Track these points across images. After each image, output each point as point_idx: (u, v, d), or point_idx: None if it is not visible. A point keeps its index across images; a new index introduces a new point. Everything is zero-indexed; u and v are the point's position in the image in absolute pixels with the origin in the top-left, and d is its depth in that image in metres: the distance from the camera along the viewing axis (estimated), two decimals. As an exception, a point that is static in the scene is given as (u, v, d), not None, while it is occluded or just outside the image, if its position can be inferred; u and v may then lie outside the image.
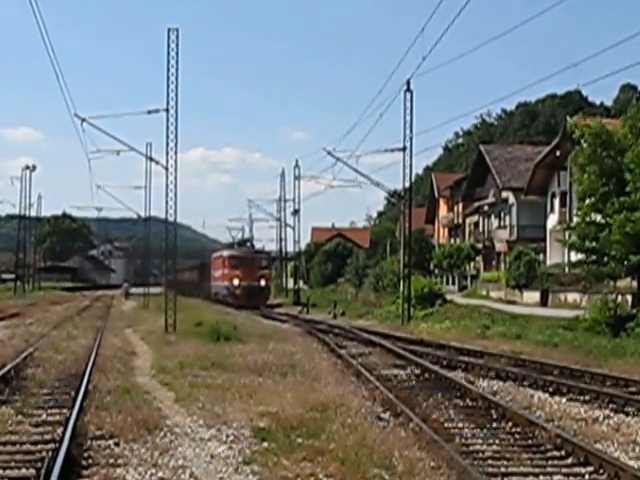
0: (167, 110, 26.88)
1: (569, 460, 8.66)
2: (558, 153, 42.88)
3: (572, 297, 33.56)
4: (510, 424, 10.46)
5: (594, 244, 26.19)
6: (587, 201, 26.86)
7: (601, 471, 8.09)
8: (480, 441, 9.62)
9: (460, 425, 10.58)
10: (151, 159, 33.92)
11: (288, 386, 13.15)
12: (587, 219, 26.82)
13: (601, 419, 11.17)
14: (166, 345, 21.35)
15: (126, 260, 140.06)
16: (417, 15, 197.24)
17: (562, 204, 44.82)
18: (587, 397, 12.86)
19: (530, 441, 9.53)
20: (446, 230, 71.28)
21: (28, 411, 11.04)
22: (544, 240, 47.38)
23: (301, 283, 68.95)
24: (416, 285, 37.30)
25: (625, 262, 24.84)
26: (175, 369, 15.86)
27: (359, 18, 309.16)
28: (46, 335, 23.67)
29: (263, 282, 53.15)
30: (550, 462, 8.63)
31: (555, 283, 36.67)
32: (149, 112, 28.32)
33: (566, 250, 36.61)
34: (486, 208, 59.46)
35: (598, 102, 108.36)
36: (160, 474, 7.91)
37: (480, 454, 8.89)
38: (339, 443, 8.84)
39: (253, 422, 10.30)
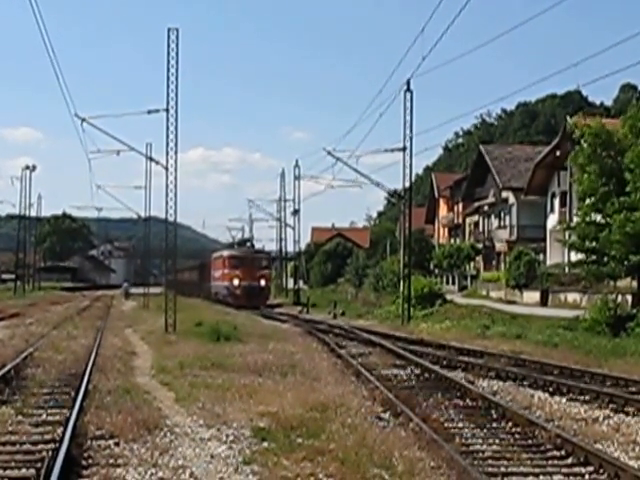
0: (167, 110, 26.89)
1: (569, 460, 8.66)
2: (558, 153, 42.90)
3: (572, 297, 33.57)
4: (510, 424, 10.46)
5: (594, 244, 26.19)
6: (587, 201, 26.86)
7: (601, 471, 8.10)
8: (480, 441, 9.62)
9: (460, 425, 10.58)
10: (151, 159, 33.96)
11: (288, 386, 13.15)
12: (587, 219, 26.82)
13: (601, 419, 11.17)
14: (166, 345, 21.35)
15: (126, 260, 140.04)
16: (417, 15, 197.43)
17: (562, 204, 44.83)
18: (587, 397, 12.86)
19: (530, 441, 9.53)
20: (446, 230, 71.30)
21: (28, 411, 11.04)
22: (544, 240, 47.39)
23: (301, 283, 68.94)
24: (416, 285, 37.30)
25: (625, 262, 24.84)
26: (175, 369, 15.86)
27: (359, 18, 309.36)
28: (46, 335, 23.66)
29: (263, 282, 53.14)
30: (550, 462, 8.63)
31: (555, 283, 36.68)
32: (149, 112, 28.33)
33: (566, 250, 36.63)
34: (486, 208, 59.47)
35: (598, 102, 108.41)
36: (160, 474, 7.91)
37: (480, 454, 8.89)
38: (339, 443, 8.85)
39: (253, 422, 10.30)
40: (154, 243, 58.70)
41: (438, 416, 10.99)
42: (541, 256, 45.10)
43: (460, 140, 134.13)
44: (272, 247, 74.55)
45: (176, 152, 27.13)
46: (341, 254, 73.49)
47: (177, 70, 26.71)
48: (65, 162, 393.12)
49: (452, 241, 65.61)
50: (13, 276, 79.02)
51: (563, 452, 8.90)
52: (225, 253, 56.63)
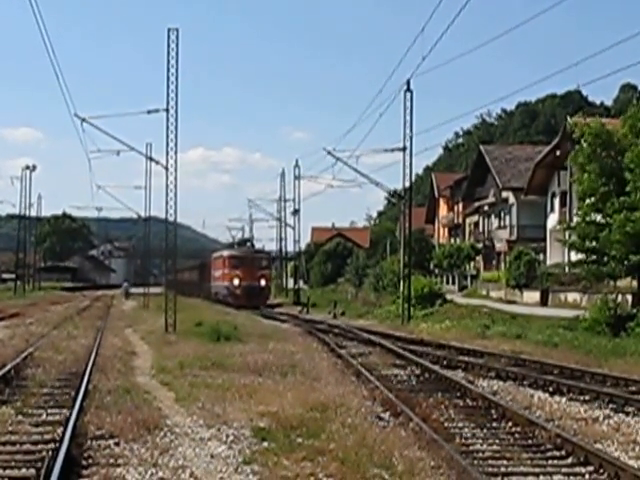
0: (167, 110, 26.88)
1: (569, 460, 8.66)
2: (558, 153, 42.88)
3: (572, 297, 33.56)
4: (510, 424, 10.46)
5: (594, 244, 26.19)
6: (587, 201, 26.85)
7: (601, 471, 8.10)
8: (480, 441, 9.62)
9: (460, 425, 10.58)
10: (151, 159, 33.97)
11: (288, 386, 13.15)
12: (587, 219, 26.82)
13: (601, 419, 11.17)
14: (166, 345, 21.35)
15: (126, 260, 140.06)
16: (417, 15, 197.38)
17: (562, 204, 44.82)
18: (587, 397, 12.86)
19: (530, 441, 9.53)
20: (446, 230, 71.30)
21: (28, 411, 11.04)
22: (544, 240, 47.39)
23: (301, 283, 68.94)
24: (416, 285, 37.30)
25: (625, 262, 24.83)
26: (175, 369, 15.87)
27: (359, 18, 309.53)
28: (46, 335, 23.67)
29: (263, 282, 53.14)
30: (550, 462, 8.63)
31: (555, 283, 36.67)
32: (149, 112, 28.33)
33: (566, 250, 36.61)
34: (486, 208, 59.46)
35: (598, 102, 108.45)
36: (160, 474, 7.91)
37: (480, 454, 8.89)
38: (339, 443, 8.85)
39: (253, 422, 10.30)
40: (154, 243, 58.74)
41: (438, 416, 10.99)
42: (541, 256, 45.09)
43: (460, 140, 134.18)
44: (272, 247, 74.70)
45: (176, 152, 27.18)
46: (341, 254, 73.48)
47: (177, 70, 26.75)
48: (65, 162, 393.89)
49: (452, 241, 65.61)
50: (13, 276, 79.02)
51: (563, 452, 8.90)
52: (225, 253, 56.63)
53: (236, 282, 51.98)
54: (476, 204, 60.91)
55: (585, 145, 26.36)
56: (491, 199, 57.40)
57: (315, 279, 74.51)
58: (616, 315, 23.23)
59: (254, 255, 55.54)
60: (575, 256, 31.41)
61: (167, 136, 26.88)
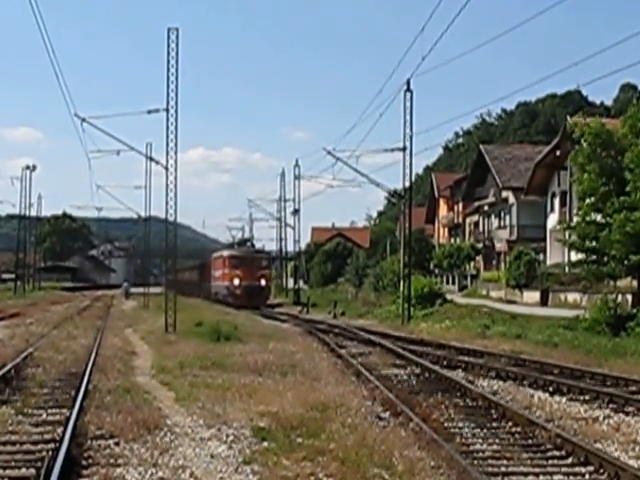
0: (167, 110, 26.89)
1: (569, 460, 8.65)
2: (558, 153, 42.87)
3: (572, 297, 33.55)
4: (510, 424, 10.46)
5: (594, 244, 26.19)
6: (587, 201, 26.85)
7: (601, 471, 8.10)
8: (480, 441, 9.62)
9: (460, 425, 10.58)
10: (151, 159, 33.96)
11: (288, 386, 13.15)
12: (587, 219, 26.82)
13: (601, 419, 11.17)
14: (166, 345, 21.35)
15: (126, 260, 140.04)
16: (417, 15, 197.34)
17: (562, 204, 44.81)
18: (587, 397, 12.87)
19: (530, 441, 9.53)
20: (446, 230, 71.29)
21: (28, 411, 11.04)
22: (544, 240, 47.37)
23: (301, 283, 68.93)
24: (416, 285, 37.30)
25: (625, 262, 24.83)
26: (175, 369, 15.87)
27: (359, 18, 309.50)
28: (46, 335, 23.67)
29: (263, 282, 53.13)
30: (550, 462, 8.63)
31: (555, 283, 36.67)
32: (149, 112, 28.34)
33: (566, 250, 36.61)
34: (486, 208, 59.46)
35: (598, 102, 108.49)
36: (160, 474, 7.91)
37: (480, 454, 8.89)
38: (339, 443, 8.84)
39: (253, 422, 10.30)
40: (154, 243, 58.73)
41: (438, 416, 10.99)
42: (541, 256, 45.08)
43: (460, 140, 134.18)
44: (272, 247, 74.69)
45: (176, 152, 27.18)
46: (341, 254, 73.48)
47: (177, 70, 26.76)
48: (65, 162, 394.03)
49: (452, 241, 65.59)
50: (13, 276, 79.01)
51: (563, 452, 8.90)
52: (225, 253, 56.62)
53: (236, 282, 51.98)
54: (476, 204, 60.91)
55: (585, 145, 26.36)
56: (491, 199, 57.39)
57: (315, 279, 74.51)
58: (616, 315, 23.23)
59: (254, 255, 55.54)
60: (575, 256, 31.41)
61: (167, 136, 26.91)
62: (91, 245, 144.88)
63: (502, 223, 56.84)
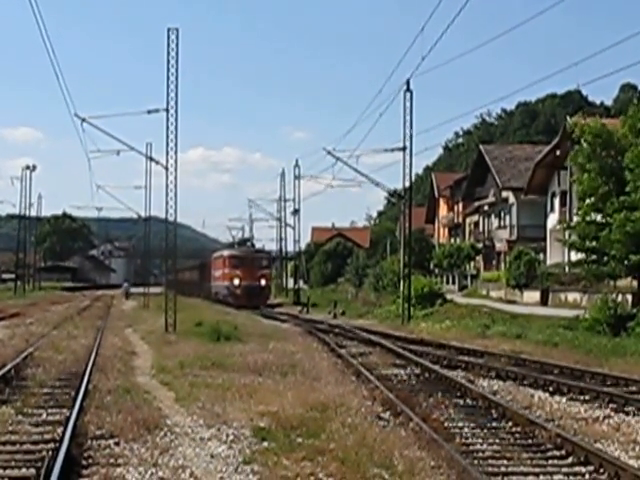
0: (167, 110, 26.89)
1: (569, 460, 8.65)
2: (558, 153, 42.87)
3: (572, 297, 33.54)
4: (510, 424, 10.46)
5: (594, 243, 26.19)
6: (587, 200, 26.86)
7: (601, 470, 8.09)
8: (480, 440, 9.62)
9: (460, 425, 10.58)
10: (151, 159, 33.96)
11: (288, 386, 13.15)
12: (587, 218, 26.83)
13: (601, 418, 11.17)
14: (166, 345, 21.34)
15: (126, 260, 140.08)
16: (417, 15, 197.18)
17: (562, 203, 44.80)
18: (587, 397, 12.86)
19: (530, 441, 9.53)
20: (446, 230, 71.28)
21: (28, 411, 11.04)
22: (544, 240, 47.37)
23: (301, 283, 68.92)
24: (416, 285, 37.30)
25: (625, 261, 24.83)
26: (175, 369, 15.86)
27: (359, 18, 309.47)
28: (46, 335, 23.66)
29: (263, 282, 53.13)
30: (550, 462, 8.63)
31: (555, 283, 36.66)
32: (149, 112, 28.34)
33: (566, 250, 36.61)
34: (486, 208, 59.46)
35: (598, 102, 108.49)
36: (160, 474, 7.90)
37: (480, 453, 8.89)
38: (339, 443, 8.84)
39: (253, 422, 10.30)
40: (154, 243, 58.73)
41: (438, 416, 10.99)
42: (541, 256, 45.06)
43: (460, 140, 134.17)
44: (272, 247, 74.64)
45: (176, 152, 27.18)
46: (341, 254, 73.48)
47: (177, 70, 26.76)
48: (65, 162, 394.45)
49: (452, 241, 65.59)
50: (13, 276, 79.02)
51: (563, 452, 8.90)
52: (225, 253, 56.62)
53: (236, 282, 51.98)
54: (476, 204, 60.91)
55: (585, 145, 26.37)
56: (491, 199, 57.39)
57: (315, 279, 74.51)
58: (616, 315, 23.21)
59: (254, 255, 55.53)
60: (575, 256, 31.42)
61: (167, 136, 26.91)
62: (91, 245, 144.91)
63: (502, 223, 56.84)
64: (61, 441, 8.62)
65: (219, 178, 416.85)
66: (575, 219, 31.40)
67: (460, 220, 66.99)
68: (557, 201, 46.66)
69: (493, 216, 58.98)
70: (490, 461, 8.55)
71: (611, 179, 25.55)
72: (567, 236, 30.39)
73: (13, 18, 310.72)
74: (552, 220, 46.42)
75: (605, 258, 25.83)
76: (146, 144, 36.95)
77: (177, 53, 26.73)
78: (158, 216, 40.41)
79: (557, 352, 19.29)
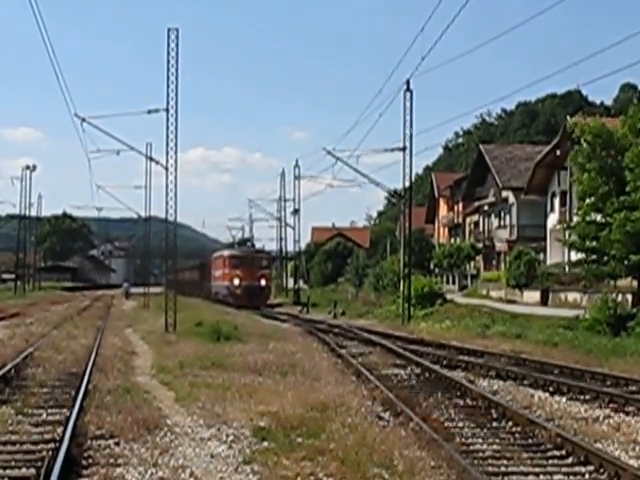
0: (167, 110, 26.89)
1: (569, 459, 8.65)
2: (558, 153, 42.87)
3: (572, 296, 33.54)
4: (510, 423, 10.46)
5: (594, 243, 26.20)
6: (587, 200, 26.86)
7: (601, 470, 8.09)
8: (480, 440, 9.62)
9: (460, 424, 10.58)
10: (151, 159, 33.97)
11: (288, 386, 13.15)
12: (587, 218, 26.83)
13: (601, 418, 11.17)
14: (166, 345, 21.34)
15: (126, 260, 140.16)
16: (417, 15, 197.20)
17: (562, 203, 44.81)
18: (587, 396, 12.86)
19: (530, 440, 9.53)
20: (446, 230, 71.27)
21: (28, 411, 11.03)
22: (544, 239, 47.37)
23: (301, 283, 68.92)
24: (416, 285, 37.30)
25: (625, 261, 24.83)
26: (175, 369, 15.86)
27: (359, 18, 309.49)
28: (46, 335, 23.66)
29: (263, 282, 53.12)
30: (550, 461, 8.63)
31: (555, 282, 36.66)
32: (149, 112, 28.33)
33: (566, 249, 36.60)
34: (486, 208, 59.45)
35: (598, 102, 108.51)
36: (160, 474, 7.90)
37: (480, 453, 8.88)
38: (339, 443, 8.84)
39: (253, 422, 10.29)
40: (154, 243, 58.73)
41: (438, 415, 10.99)
42: (541, 255, 45.08)
43: (460, 140, 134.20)
44: (272, 247, 74.64)
45: (176, 152, 27.19)
46: (341, 254, 73.47)
47: (177, 70, 26.77)
48: (65, 162, 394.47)
49: (452, 241, 65.57)
50: (13, 276, 79.02)
51: (563, 452, 8.90)
52: (225, 253, 56.62)
53: (236, 282, 51.97)
54: (476, 204, 60.90)
55: (585, 145, 26.38)
56: (491, 199, 57.38)
57: (315, 279, 74.51)
58: (616, 315, 23.22)
59: (254, 255, 55.53)
60: (575, 256, 31.42)
61: (167, 136, 26.92)
62: (91, 245, 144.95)
63: (502, 223, 56.83)
64: (61, 441, 8.62)
65: (219, 178, 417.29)
66: (575, 219, 31.40)
67: (460, 220, 66.98)
68: (557, 201, 46.66)
69: (493, 216, 58.98)
70: (490, 461, 8.55)
71: (611, 179, 25.55)
72: (567, 236, 30.39)
73: (13, 18, 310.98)
74: (552, 220, 46.42)
75: (605, 258, 25.84)
76: (146, 144, 36.99)
77: (177, 53, 26.79)
78: (158, 216, 40.41)
79: (557, 352, 19.29)
